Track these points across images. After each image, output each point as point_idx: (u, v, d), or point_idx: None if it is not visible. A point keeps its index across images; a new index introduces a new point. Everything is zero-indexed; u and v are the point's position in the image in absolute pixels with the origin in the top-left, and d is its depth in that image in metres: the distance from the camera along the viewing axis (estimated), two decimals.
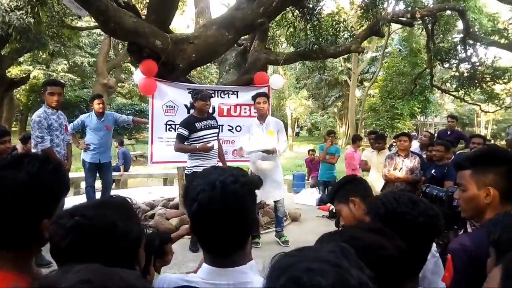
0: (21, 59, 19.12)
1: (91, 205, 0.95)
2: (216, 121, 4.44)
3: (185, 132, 4.11)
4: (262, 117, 4.65)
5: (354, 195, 1.76)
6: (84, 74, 21.34)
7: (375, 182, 5.86)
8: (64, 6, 7.96)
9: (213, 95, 5.18)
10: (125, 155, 9.24)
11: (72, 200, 6.40)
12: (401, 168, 5.11)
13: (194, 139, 4.15)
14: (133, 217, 0.99)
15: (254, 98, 4.65)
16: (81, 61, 19.79)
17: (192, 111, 4.34)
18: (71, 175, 8.67)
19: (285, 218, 5.28)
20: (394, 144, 6.31)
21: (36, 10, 7.69)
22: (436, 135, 8.40)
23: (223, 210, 0.96)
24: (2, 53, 11.17)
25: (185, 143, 4.18)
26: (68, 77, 20.48)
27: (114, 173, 9.03)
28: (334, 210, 5.89)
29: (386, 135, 11.99)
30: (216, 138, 4.31)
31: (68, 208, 0.93)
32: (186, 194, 1.04)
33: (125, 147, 10.22)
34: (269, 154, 4.48)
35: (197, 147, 4.07)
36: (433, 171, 4.62)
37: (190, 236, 3.71)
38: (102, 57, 14.94)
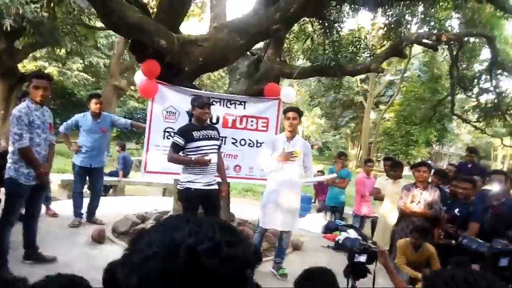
0: (37, 55, 19.19)
1: None
2: (218, 132, 3.99)
3: (180, 141, 3.67)
4: (291, 135, 4.14)
5: None
6: (98, 74, 21.31)
7: (389, 214, 5.36)
8: (89, 6, 7.74)
9: (218, 103, 4.78)
10: (126, 160, 8.86)
11: (63, 204, 6.02)
12: (418, 202, 4.60)
13: (191, 149, 3.71)
14: None
15: (284, 112, 4.23)
16: (97, 61, 19.75)
17: (192, 119, 3.91)
18: (65, 177, 8.34)
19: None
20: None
21: (52, 5, 7.46)
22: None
23: None
24: (15, 46, 10.99)
25: (180, 153, 3.75)
26: (82, 77, 20.49)
27: (112, 178, 8.70)
28: (340, 241, 5.38)
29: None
30: (216, 150, 3.86)
31: None
32: (127, 255, 0.60)
33: (127, 152, 9.84)
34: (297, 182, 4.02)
35: (192, 159, 3.63)
36: (456, 210, 4.10)
37: None
38: (116, 58, 14.79)
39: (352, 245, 2.82)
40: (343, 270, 2.87)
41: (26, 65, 17.86)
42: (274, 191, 4.12)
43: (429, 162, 15.61)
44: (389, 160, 6.37)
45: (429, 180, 4.84)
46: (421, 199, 4.61)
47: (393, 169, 5.60)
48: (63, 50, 15.06)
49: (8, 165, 3.44)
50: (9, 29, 8.11)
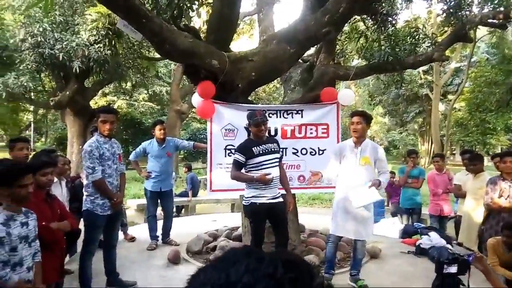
0: (106, 91, 20.78)
1: None
2: (278, 145, 3.93)
3: (241, 158, 3.67)
4: (357, 140, 3.95)
5: None
6: (162, 102, 22.48)
7: (473, 211, 4.90)
8: (143, 38, 8.23)
9: (274, 115, 4.73)
10: (193, 180, 9.13)
11: (140, 228, 6.32)
12: (508, 195, 4.14)
13: (253, 165, 3.69)
14: None
15: (350, 117, 4.06)
16: (160, 90, 20.85)
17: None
18: (140, 201, 8.78)
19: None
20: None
21: (113, 42, 8.03)
22: None
23: None
24: (85, 85, 11.97)
25: (243, 170, 3.75)
26: (148, 106, 21.78)
27: (182, 199, 9.01)
28: (422, 245, 5.00)
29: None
30: (277, 164, 3.80)
31: None
32: None
33: (194, 172, 10.15)
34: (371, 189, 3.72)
35: (254, 177, 3.60)
36: None
37: None
38: (176, 84, 15.48)
39: (440, 255, 2.55)
40: (432, 283, 2.61)
41: (98, 102, 19.39)
42: (343, 198, 3.95)
43: None
44: (467, 153, 5.85)
45: None
46: (510, 193, 4.15)
47: (473, 162, 5.12)
48: (128, 83, 16.18)
49: (84, 197, 3.67)
50: (78, 70, 8.86)
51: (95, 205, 3.61)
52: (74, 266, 4.14)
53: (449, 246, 4.80)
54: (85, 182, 3.67)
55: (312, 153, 4.96)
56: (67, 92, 10.60)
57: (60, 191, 4.11)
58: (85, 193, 3.67)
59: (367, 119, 3.97)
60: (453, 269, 2.52)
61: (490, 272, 2.63)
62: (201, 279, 0.57)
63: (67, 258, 4.25)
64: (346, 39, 7.54)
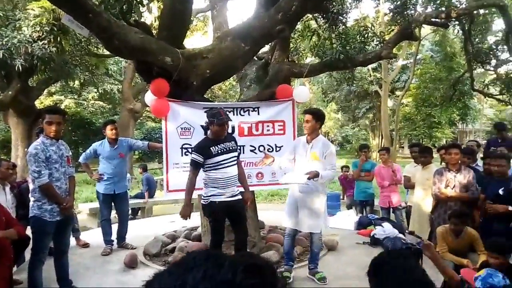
0: (52, 90, 19.70)
1: None
2: (236, 143, 3.91)
3: (199, 158, 3.61)
4: (309, 137, 3.98)
5: None
6: (114, 101, 21.68)
7: (422, 201, 5.17)
8: (90, 34, 7.86)
9: (231, 113, 4.69)
10: (149, 181, 8.89)
11: (93, 233, 6.05)
12: (454, 186, 4.40)
13: (211, 165, 3.65)
14: None
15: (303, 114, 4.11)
16: (111, 88, 20.08)
17: (208, 132, 3.83)
18: (92, 205, 8.42)
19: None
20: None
21: (58, 39, 7.62)
22: (485, 144, 7.55)
23: None
24: (30, 84, 11.28)
25: (202, 169, 3.70)
26: (99, 105, 20.91)
27: (139, 200, 8.75)
28: (376, 236, 5.19)
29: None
30: (235, 162, 3.78)
31: None
32: None
33: (149, 173, 9.88)
34: (308, 180, 3.75)
35: (180, 211, 3.74)
36: (501, 190, 3.88)
37: None
38: (127, 82, 15.01)
39: (393, 245, 2.65)
40: None
41: (43, 101, 18.34)
42: (294, 192, 4.02)
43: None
44: (416, 146, 6.15)
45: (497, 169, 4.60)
46: (456, 183, 4.42)
47: (423, 155, 5.37)
48: (76, 82, 15.43)
49: (31, 203, 3.45)
50: (21, 68, 8.31)
51: (43, 210, 3.40)
52: (23, 275, 3.88)
53: (401, 235, 5.01)
54: (31, 187, 3.44)
55: (269, 150, 4.98)
56: (9, 92, 9.93)
57: (4, 197, 3.85)
58: (32, 199, 3.45)
59: (317, 117, 3.98)
60: None
61: (437, 259, 2.77)
62: (156, 285, 0.54)
63: (15, 268, 3.99)
64: (300, 37, 7.66)
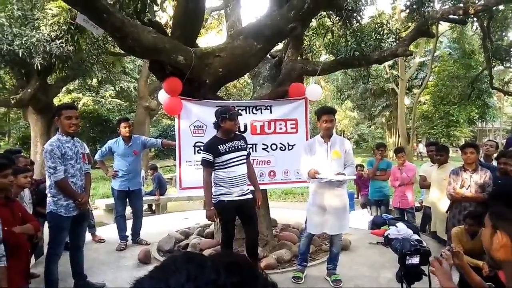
0: (71, 87, 20.05)
1: None
2: (245, 141, 3.90)
3: (209, 157, 3.64)
4: (326, 135, 3.98)
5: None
6: (130, 98, 21.95)
7: (438, 201, 5.08)
8: (105, 33, 7.97)
9: (243, 111, 4.70)
10: (159, 180, 9.01)
11: (109, 229, 6.16)
12: (469, 186, 4.31)
13: (219, 164, 3.66)
14: None
15: (319, 114, 3.98)
16: (127, 86, 20.34)
17: (218, 131, 3.84)
18: (109, 201, 8.55)
19: None
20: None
21: (75, 38, 7.74)
22: (504, 143, 7.38)
23: None
24: (48, 82, 11.51)
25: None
26: (116, 102, 21.17)
27: (150, 197, 8.85)
28: (390, 236, 5.12)
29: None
30: (244, 161, 3.78)
31: None
32: None
33: (161, 171, 9.99)
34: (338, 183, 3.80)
35: (207, 212, 3.77)
36: None
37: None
38: (143, 80, 15.16)
39: (402, 246, 2.62)
40: (395, 274, 2.66)
41: (62, 99, 18.68)
42: (317, 193, 3.96)
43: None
44: (432, 145, 6.03)
45: None
46: (471, 183, 4.33)
47: (439, 153, 5.27)
48: (94, 80, 15.68)
49: (47, 199, 3.53)
50: (39, 67, 8.49)
51: (58, 206, 3.48)
52: (40, 269, 3.98)
53: (415, 236, 4.92)
54: (47, 182, 3.52)
55: (282, 149, 4.98)
56: (29, 90, 10.15)
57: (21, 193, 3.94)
58: (48, 194, 3.53)
59: (334, 115, 4.03)
60: (415, 260, 2.60)
61: (466, 266, 2.69)
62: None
63: (32, 261, 4.09)
64: (313, 34, 7.59)
